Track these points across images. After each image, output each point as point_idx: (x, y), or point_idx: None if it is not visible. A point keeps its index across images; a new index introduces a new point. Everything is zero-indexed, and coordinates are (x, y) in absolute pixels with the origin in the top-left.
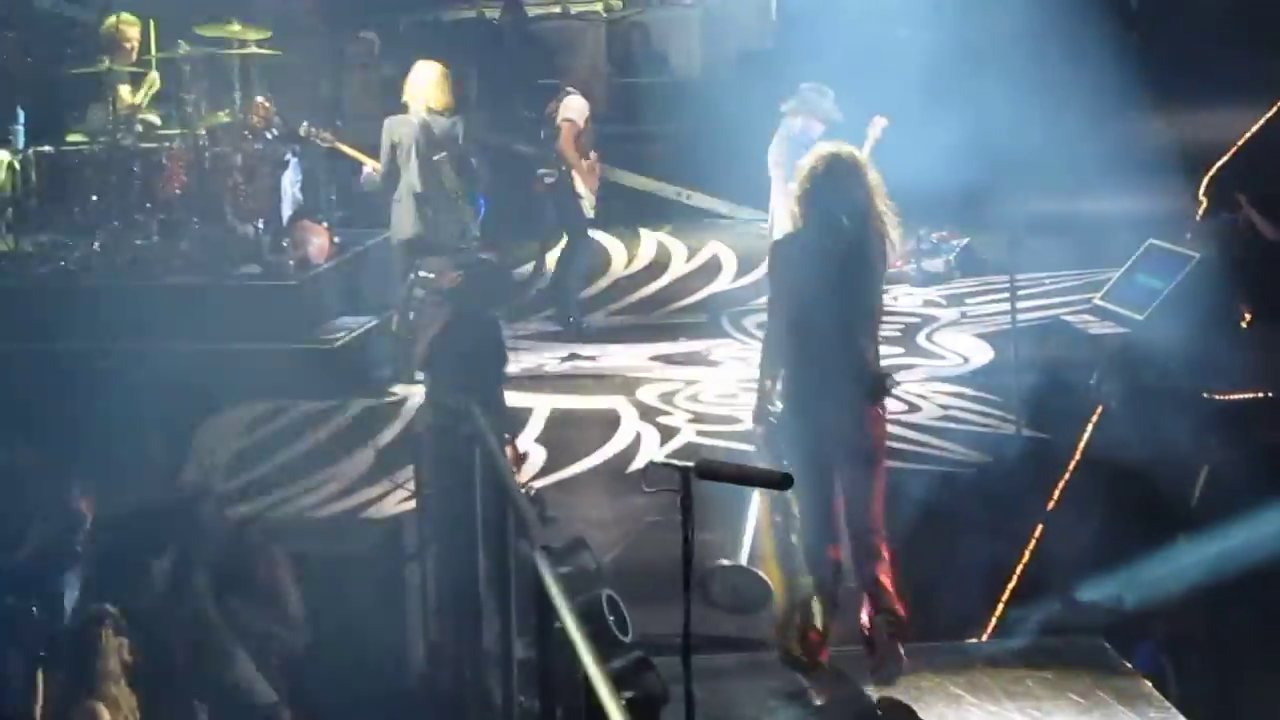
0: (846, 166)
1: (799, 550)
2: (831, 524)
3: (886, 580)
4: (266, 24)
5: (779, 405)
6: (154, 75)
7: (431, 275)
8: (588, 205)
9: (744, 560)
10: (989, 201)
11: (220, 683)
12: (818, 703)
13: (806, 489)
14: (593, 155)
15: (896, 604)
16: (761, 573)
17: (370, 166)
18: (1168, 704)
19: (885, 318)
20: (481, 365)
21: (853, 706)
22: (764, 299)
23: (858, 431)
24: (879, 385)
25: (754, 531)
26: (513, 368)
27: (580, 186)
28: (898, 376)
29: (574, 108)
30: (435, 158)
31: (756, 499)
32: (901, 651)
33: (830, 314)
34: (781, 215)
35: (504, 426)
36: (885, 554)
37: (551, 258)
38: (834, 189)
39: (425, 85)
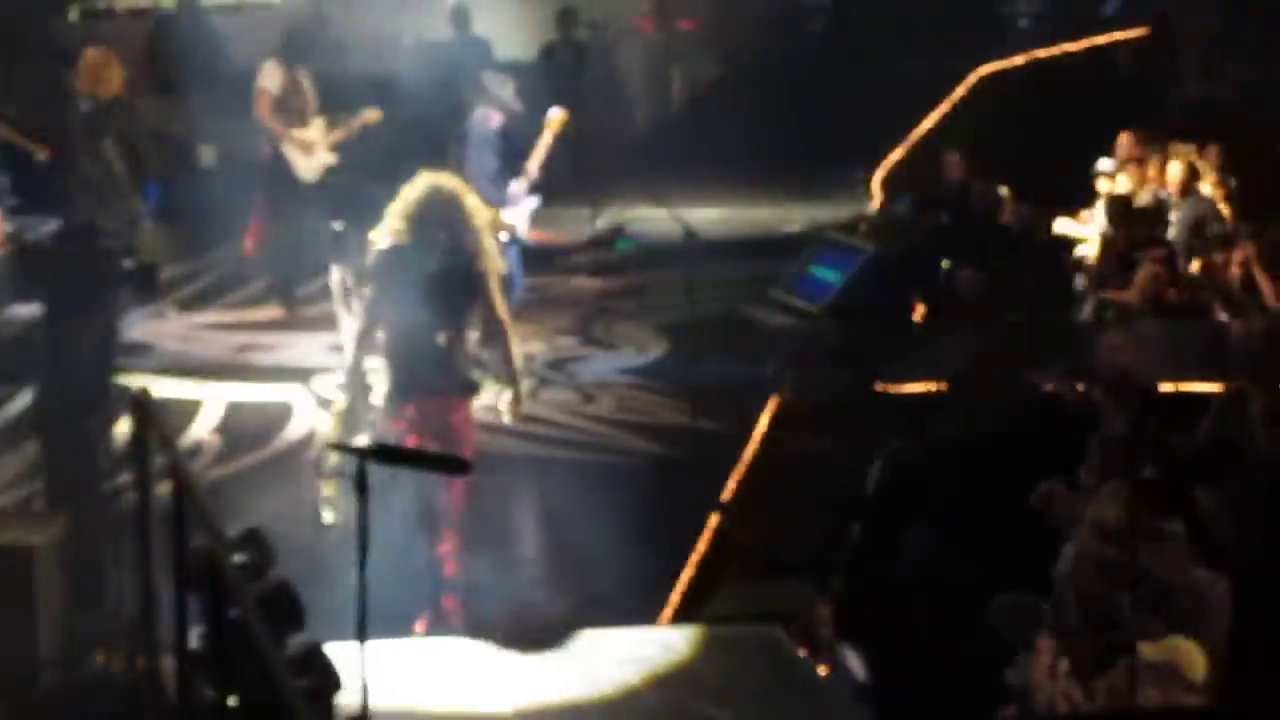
0: (447, 197)
1: None
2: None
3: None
4: None
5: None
6: None
7: None
8: (307, 169)
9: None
10: (661, 188)
11: None
12: (490, 685)
13: None
14: (313, 120)
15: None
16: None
17: (41, 154)
18: (843, 693)
19: (560, 309)
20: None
21: (524, 690)
22: None
23: (445, 424)
24: (466, 384)
25: None
26: (186, 358)
27: (294, 154)
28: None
29: (265, 74)
30: (103, 144)
31: None
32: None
33: (424, 321)
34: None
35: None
36: (448, 541)
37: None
38: (435, 215)
39: (94, 71)
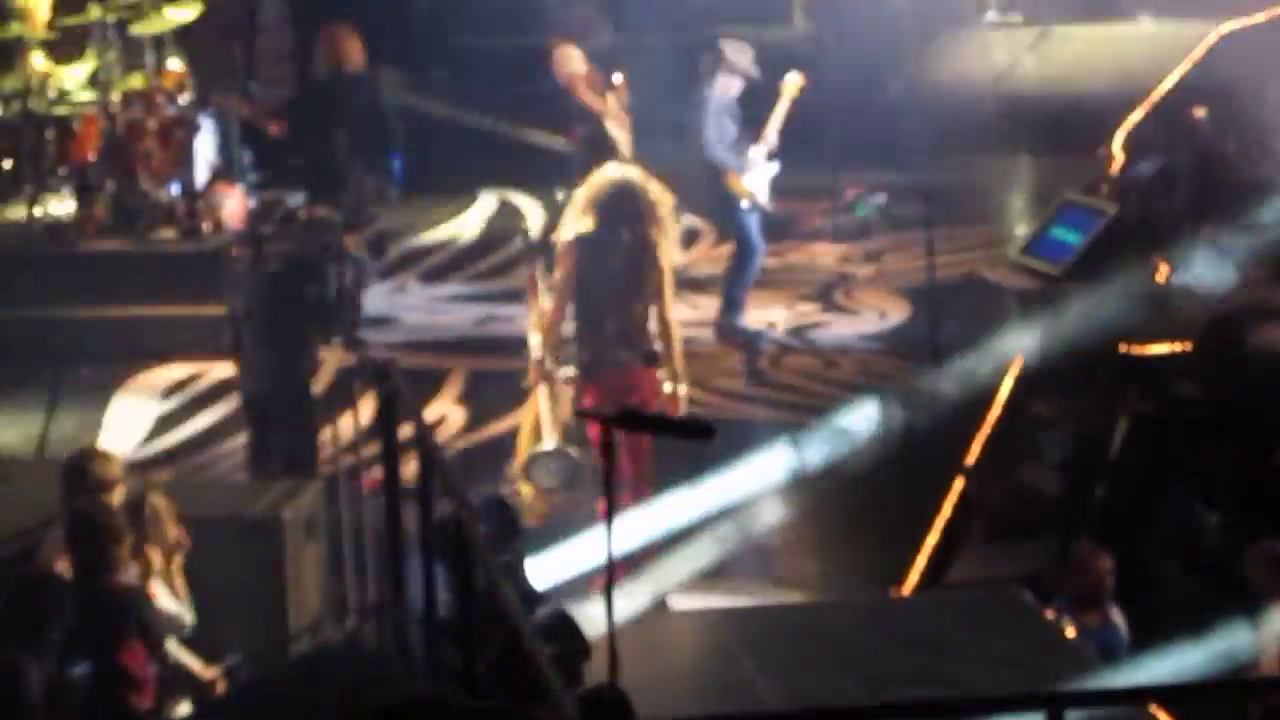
0: (630, 191)
1: None
2: None
3: None
4: None
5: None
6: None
7: None
8: (625, 143)
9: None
10: (901, 154)
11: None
12: (741, 655)
13: None
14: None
15: None
16: (572, 451)
17: (273, 129)
18: (1086, 654)
19: (800, 275)
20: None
21: (774, 659)
22: None
23: (628, 389)
24: (649, 355)
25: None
26: (429, 330)
27: (615, 129)
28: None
29: (569, 54)
30: (340, 117)
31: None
32: None
33: (608, 300)
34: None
35: None
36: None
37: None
38: (618, 207)
39: (335, 45)
